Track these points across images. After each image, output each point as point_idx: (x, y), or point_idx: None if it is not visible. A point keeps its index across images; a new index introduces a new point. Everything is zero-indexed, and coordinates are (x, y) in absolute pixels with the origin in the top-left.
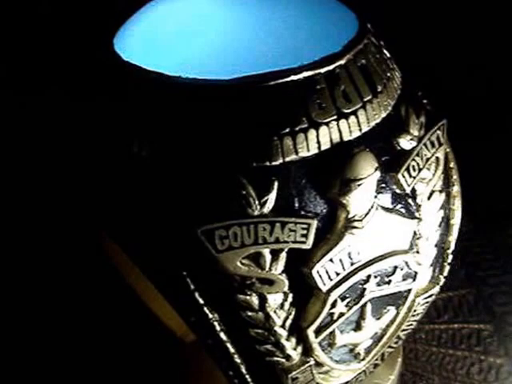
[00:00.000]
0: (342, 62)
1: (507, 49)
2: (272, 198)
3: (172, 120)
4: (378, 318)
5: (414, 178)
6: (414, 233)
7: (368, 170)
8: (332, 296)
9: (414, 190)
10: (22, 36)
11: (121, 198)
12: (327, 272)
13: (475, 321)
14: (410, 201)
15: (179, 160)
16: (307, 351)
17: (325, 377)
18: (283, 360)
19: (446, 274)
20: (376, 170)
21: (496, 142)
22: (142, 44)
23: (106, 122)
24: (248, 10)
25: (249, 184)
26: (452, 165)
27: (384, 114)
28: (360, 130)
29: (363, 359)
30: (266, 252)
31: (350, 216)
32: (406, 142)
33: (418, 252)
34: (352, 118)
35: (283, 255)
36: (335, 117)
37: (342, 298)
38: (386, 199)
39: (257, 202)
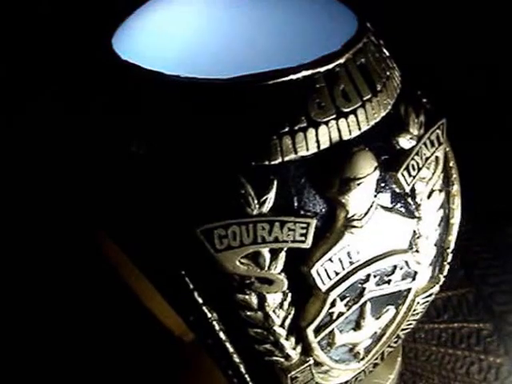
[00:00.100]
0: (342, 60)
1: (507, 48)
2: (271, 197)
3: (170, 119)
4: (378, 318)
5: (414, 177)
6: (414, 232)
7: (367, 169)
8: (331, 295)
9: (413, 190)
10: (22, 35)
11: (119, 197)
12: (326, 271)
13: (475, 320)
14: (409, 200)
15: (178, 159)
16: (306, 351)
17: (324, 376)
18: (282, 359)
19: (445, 273)
20: (375, 169)
21: (495, 142)
22: (141, 44)
23: (105, 121)
24: (247, 9)
25: (248, 183)
26: (451, 164)
27: (383, 113)
28: (359, 129)
29: (363, 359)
30: (265, 251)
31: (349, 215)
32: (405, 141)
33: (417, 251)
34: (351, 117)
35: (282, 254)
36: (334, 116)
37: (342, 298)
38: (385, 198)
39: (256, 202)
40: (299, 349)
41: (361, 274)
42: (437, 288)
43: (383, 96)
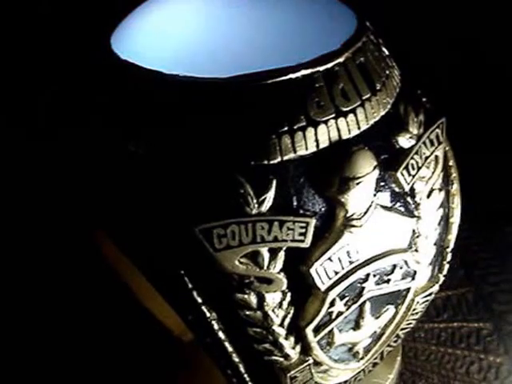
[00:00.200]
0: (341, 60)
1: (507, 47)
2: (270, 196)
3: (169, 118)
4: (377, 317)
5: (413, 176)
6: (413, 231)
7: (367, 168)
8: (330, 295)
9: (413, 189)
10: (21, 35)
11: (118, 196)
12: (326, 271)
13: (475, 319)
14: (409, 199)
15: (176, 158)
16: (306, 350)
17: (323, 376)
18: (282, 359)
19: (445, 272)
20: (375, 168)
21: (495, 141)
22: (139, 43)
23: (104, 120)
24: (246, 8)
25: (247, 183)
26: (451, 163)
27: (383, 113)
28: (359, 128)
29: (362, 358)
30: (264, 251)
31: (348, 214)
32: (405, 141)
33: (417, 250)
34: (351, 117)
35: (281, 254)
36: (334, 115)
37: (341, 297)
38: (384, 198)
39: (255, 201)
40: (298, 348)
41: (360, 274)
42: (436, 287)
43: (382, 95)
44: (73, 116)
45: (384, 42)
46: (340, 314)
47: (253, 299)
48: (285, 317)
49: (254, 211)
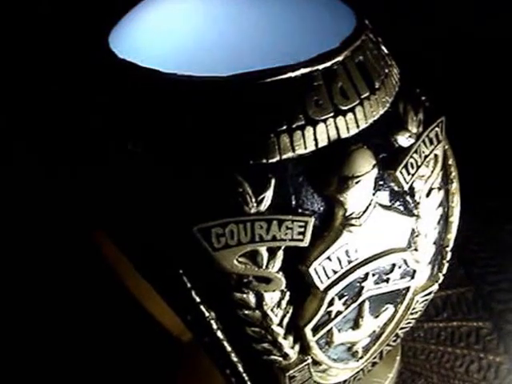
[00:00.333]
0: (340, 58)
1: (507, 46)
2: (269, 195)
3: (168, 117)
4: (376, 316)
5: (413, 175)
6: (413, 230)
7: (366, 167)
8: (329, 294)
9: (412, 188)
10: (20, 35)
11: (116, 195)
12: (324, 270)
13: (474, 318)
14: (408, 198)
15: (175, 157)
16: (305, 350)
17: (322, 375)
18: (280, 358)
19: (444, 271)
20: (374, 167)
21: (495, 140)
22: (137, 42)
23: (102, 119)
24: (244, 6)
25: (245, 182)
26: (450, 162)
27: (382, 111)
28: (358, 127)
29: (361, 357)
30: (263, 250)
31: (347, 213)
32: (404, 139)
33: (416, 250)
34: (349, 115)
35: (280, 253)
36: (332, 114)
37: (340, 297)
38: (383, 196)
39: (253, 200)
40: (297, 348)
41: (359, 273)
42: (436, 286)
43: (382, 94)
44: (71, 115)
45: (383, 40)
46: (339, 313)
47: (251, 298)
48: (283, 316)
49: (253, 210)
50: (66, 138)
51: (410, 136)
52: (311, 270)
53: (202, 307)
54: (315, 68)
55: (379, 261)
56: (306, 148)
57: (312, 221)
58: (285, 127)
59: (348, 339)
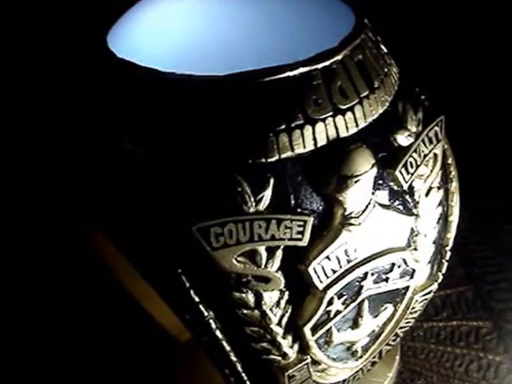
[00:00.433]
0: (339, 57)
1: (507, 45)
2: (268, 194)
3: (166, 116)
4: (376, 316)
5: (412, 174)
6: (412, 230)
7: (365, 166)
8: (328, 294)
9: (411, 187)
10: (18, 34)
11: (115, 195)
12: (324, 269)
13: (474, 318)
14: (407, 197)
15: (174, 157)
16: (304, 349)
17: (322, 375)
18: (279, 358)
19: (444, 270)
20: (373, 166)
21: (494, 139)
22: (136, 41)
23: (101, 119)
24: (243, 5)
25: (244, 181)
26: (450, 161)
27: (381, 110)
28: (357, 126)
29: (360, 357)
30: (262, 249)
31: (346, 213)
32: (403, 139)
33: (415, 249)
34: (349, 114)
35: (279, 252)
36: (331, 113)
37: (339, 296)
38: (383, 196)
39: (252, 199)
40: (296, 347)
41: (358, 272)
42: (435, 286)
43: (381, 93)
44: (69, 115)
45: (382, 39)
46: (338, 312)
47: (250, 298)
48: (282, 316)
49: (252, 210)
50: (64, 137)
51: (409, 135)
52: (310, 270)
53: (200, 306)
54: (314, 67)
55: (378, 260)
56: (304, 147)
57: (311, 220)
58: (284, 126)
59: (347, 339)
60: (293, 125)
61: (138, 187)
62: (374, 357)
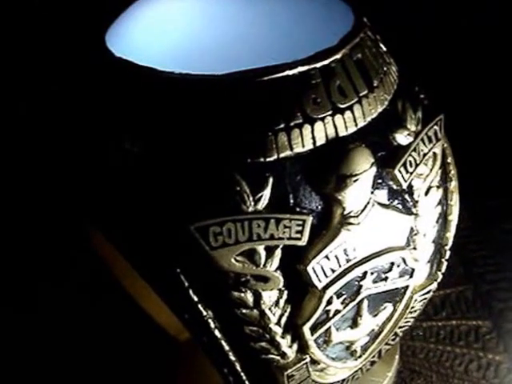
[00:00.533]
0: (338, 56)
1: (506, 44)
2: (266, 194)
3: (165, 116)
4: (375, 315)
5: (411, 173)
6: (411, 229)
7: (364, 165)
8: (328, 293)
9: (410, 186)
10: (16, 34)
11: (113, 194)
12: (323, 269)
13: (473, 317)
14: (406, 197)
15: (172, 156)
16: (303, 348)
17: (321, 374)
18: (278, 357)
19: (443, 270)
20: (372, 165)
21: (494, 138)
22: (134, 40)
23: (99, 118)
24: (242, 4)
25: (243, 180)
26: (449, 160)
27: (380, 109)
28: (356, 125)
29: (360, 356)
30: (261, 249)
31: (345, 212)
32: (402, 138)
33: (415, 248)
34: (348, 113)
35: (278, 252)
36: (330, 112)
37: (338, 295)
38: (382, 195)
39: (251, 199)
40: (295, 347)
41: (357, 272)
42: (435, 285)
43: (380, 92)
44: (68, 115)
45: (381, 38)
46: (337, 312)
47: (249, 297)
48: (281, 315)
49: (251, 209)
50: (63, 137)
51: (408, 134)
52: (309, 269)
53: (199, 306)
54: (313, 66)
55: (378, 259)
56: (303, 146)
57: (310, 219)
58: (282, 125)
59: (346, 338)
60: (292, 124)
61: (136, 186)
62: (374, 356)
